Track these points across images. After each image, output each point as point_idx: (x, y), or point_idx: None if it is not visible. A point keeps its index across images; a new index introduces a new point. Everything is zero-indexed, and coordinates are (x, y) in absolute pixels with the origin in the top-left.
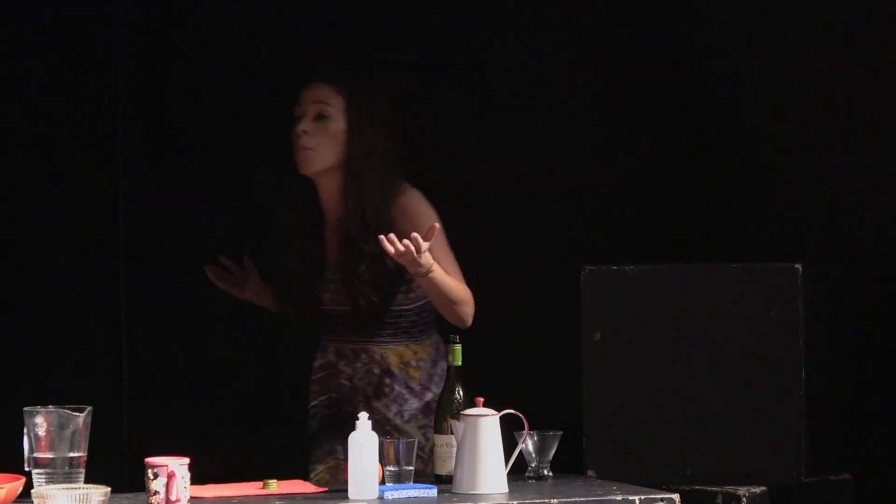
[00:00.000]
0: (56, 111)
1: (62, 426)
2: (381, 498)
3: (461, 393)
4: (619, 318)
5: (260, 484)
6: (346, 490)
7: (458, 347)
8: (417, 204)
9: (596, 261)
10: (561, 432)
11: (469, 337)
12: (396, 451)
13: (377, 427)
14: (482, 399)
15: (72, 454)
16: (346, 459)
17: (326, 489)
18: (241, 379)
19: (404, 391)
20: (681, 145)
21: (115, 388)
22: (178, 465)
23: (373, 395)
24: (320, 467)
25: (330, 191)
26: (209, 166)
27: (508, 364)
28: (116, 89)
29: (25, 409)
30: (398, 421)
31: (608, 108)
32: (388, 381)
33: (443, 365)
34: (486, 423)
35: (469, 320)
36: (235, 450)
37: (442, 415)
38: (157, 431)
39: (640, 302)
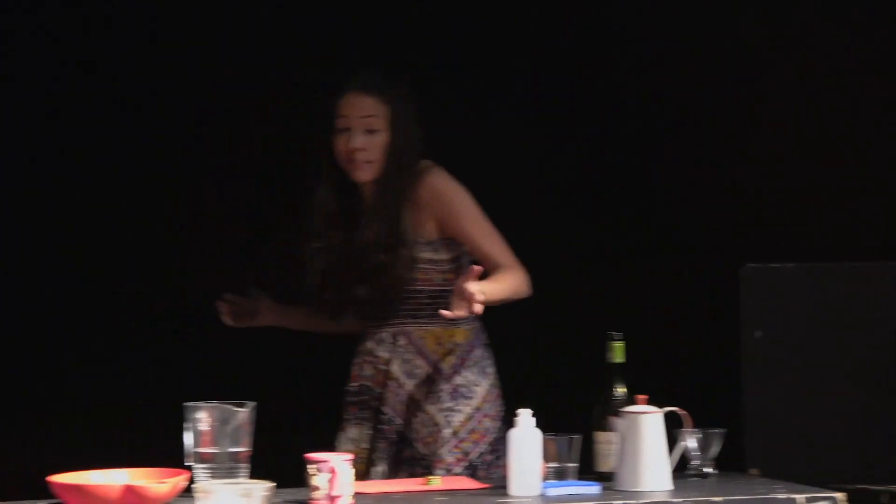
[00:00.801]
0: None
1: (225, 421)
2: (543, 495)
3: (622, 390)
4: (779, 316)
5: (423, 480)
6: (508, 487)
7: (619, 344)
8: (445, 183)
9: (754, 258)
10: (724, 430)
11: (629, 333)
12: (558, 448)
13: (403, 410)
14: (644, 396)
15: (234, 449)
16: (370, 449)
17: (489, 486)
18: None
19: (434, 374)
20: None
21: (278, 384)
22: (341, 461)
23: (404, 375)
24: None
25: (368, 194)
26: None
27: (669, 361)
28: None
29: (187, 404)
30: (425, 402)
31: None
32: (421, 362)
33: (478, 352)
34: (649, 421)
35: (528, 291)
36: None
37: (602, 412)
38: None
39: (800, 300)
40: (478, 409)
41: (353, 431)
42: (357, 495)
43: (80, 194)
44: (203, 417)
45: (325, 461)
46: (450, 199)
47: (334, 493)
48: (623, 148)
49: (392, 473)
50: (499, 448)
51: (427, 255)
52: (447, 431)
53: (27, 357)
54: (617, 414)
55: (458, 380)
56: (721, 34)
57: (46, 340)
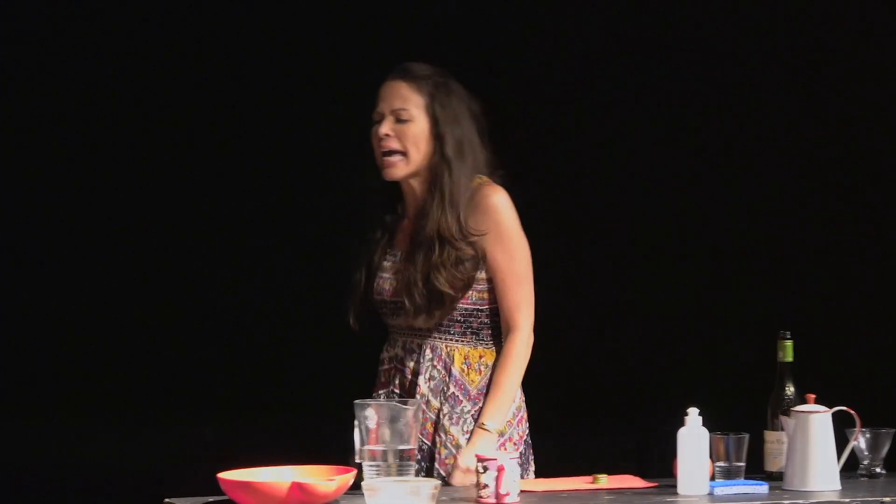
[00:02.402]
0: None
1: (392, 419)
2: (711, 493)
3: (791, 389)
4: None
5: (590, 478)
6: (676, 486)
7: (789, 343)
8: (504, 202)
9: None
10: (894, 430)
11: (798, 332)
12: (726, 447)
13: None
14: (813, 396)
15: (402, 447)
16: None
17: (656, 484)
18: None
19: (459, 393)
20: None
21: None
22: (508, 459)
23: (430, 393)
24: None
25: (414, 191)
26: None
27: (839, 360)
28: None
29: (356, 401)
30: (446, 421)
31: None
32: (447, 380)
33: None
34: (818, 420)
35: (526, 360)
36: (562, 444)
37: (772, 411)
38: None
39: None
40: (501, 433)
41: None
42: (524, 493)
43: None
44: (371, 415)
45: (492, 459)
46: (503, 221)
47: (501, 491)
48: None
49: None
50: (527, 471)
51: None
52: None
53: (207, 360)
54: (786, 413)
55: (482, 402)
56: None
57: (231, 342)
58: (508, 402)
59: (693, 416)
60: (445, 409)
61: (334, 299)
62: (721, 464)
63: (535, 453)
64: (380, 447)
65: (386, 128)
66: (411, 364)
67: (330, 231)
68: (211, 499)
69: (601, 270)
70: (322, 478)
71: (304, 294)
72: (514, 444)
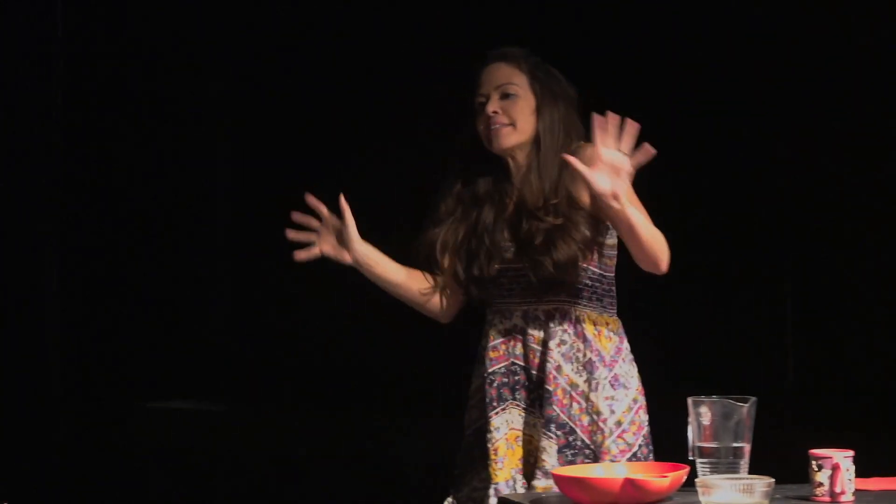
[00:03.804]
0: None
1: (726, 416)
2: None
3: None
4: None
5: None
6: None
7: None
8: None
9: None
10: None
11: None
12: None
13: (563, 396)
14: None
15: (735, 444)
16: (525, 429)
17: None
18: None
19: (595, 358)
20: None
21: (777, 380)
22: (843, 458)
23: (562, 359)
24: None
25: (519, 164)
26: None
27: None
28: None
29: (691, 398)
30: (586, 387)
31: None
32: (580, 345)
33: (626, 346)
34: None
35: (664, 265)
36: None
37: None
38: (822, 423)
39: None
40: (635, 399)
41: (508, 415)
42: (858, 492)
43: None
44: (705, 412)
45: (827, 457)
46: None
47: (836, 490)
48: None
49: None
50: (651, 442)
51: (589, 231)
52: (612, 421)
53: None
54: None
55: (618, 368)
56: None
57: None
58: (644, 225)
59: None
60: (584, 375)
61: None
62: None
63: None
64: (713, 444)
65: (493, 105)
66: (536, 332)
67: None
68: (544, 494)
69: None
70: (654, 474)
71: None
72: (646, 411)
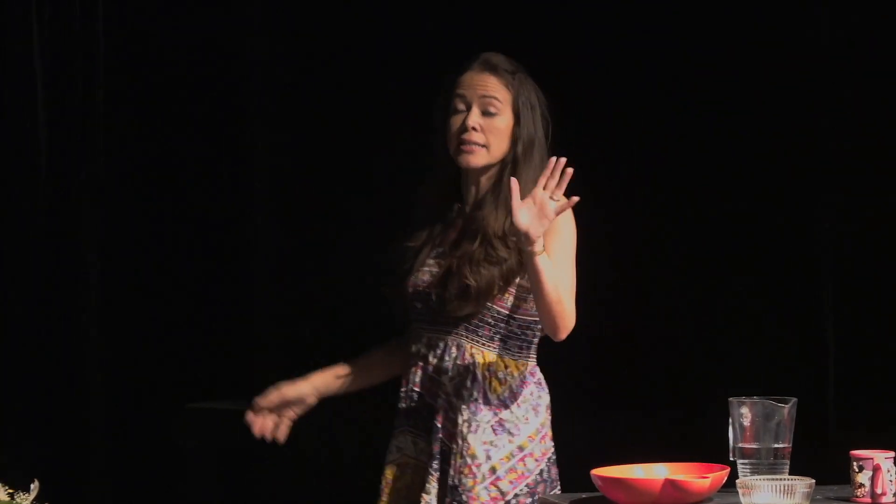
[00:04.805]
0: None
1: (767, 417)
2: None
3: None
4: None
5: None
6: None
7: None
8: (563, 216)
9: None
10: None
11: None
12: None
13: (451, 430)
14: None
15: (777, 445)
16: (416, 456)
17: None
18: None
19: (480, 398)
20: None
21: (818, 381)
22: (884, 459)
23: (453, 393)
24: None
25: (479, 183)
26: None
27: None
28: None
29: (731, 399)
30: (465, 428)
31: None
32: (468, 383)
33: (530, 390)
34: None
35: (562, 333)
36: None
37: None
38: (862, 424)
39: None
40: (521, 447)
41: (402, 440)
42: None
43: None
44: (746, 413)
45: (868, 458)
46: (557, 226)
47: (878, 491)
48: None
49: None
50: (537, 491)
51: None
52: (486, 467)
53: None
54: None
55: (505, 414)
56: None
57: None
58: (554, 277)
59: None
60: (465, 414)
61: None
62: None
63: None
64: (754, 445)
65: (474, 119)
66: (434, 361)
67: None
68: (584, 495)
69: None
70: (695, 475)
71: None
72: (536, 460)
